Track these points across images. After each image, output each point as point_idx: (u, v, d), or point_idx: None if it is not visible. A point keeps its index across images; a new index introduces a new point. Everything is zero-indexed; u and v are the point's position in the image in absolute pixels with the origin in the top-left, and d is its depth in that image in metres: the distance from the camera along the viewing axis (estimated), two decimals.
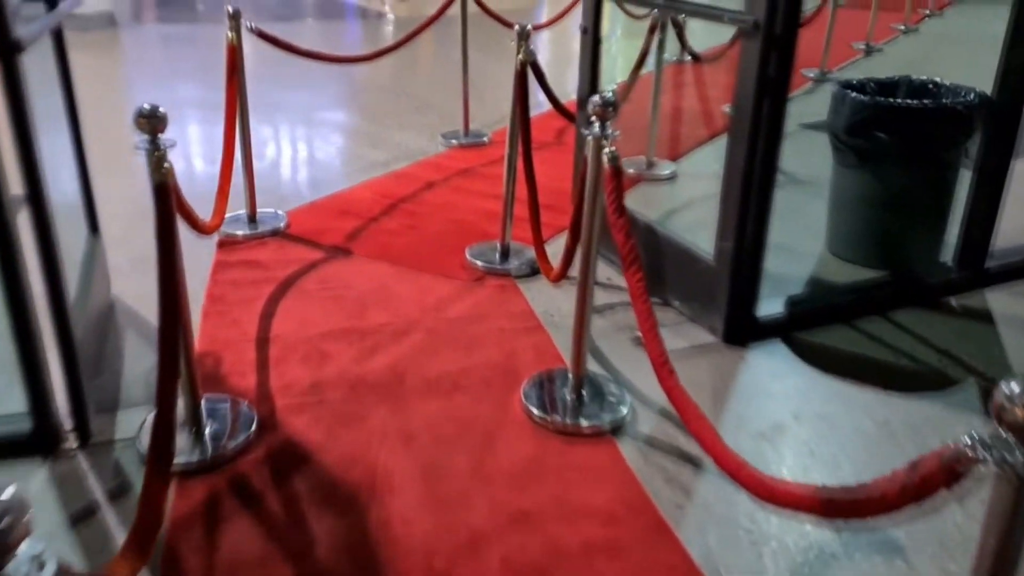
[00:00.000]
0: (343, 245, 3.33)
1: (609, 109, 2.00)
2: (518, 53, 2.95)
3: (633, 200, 2.78)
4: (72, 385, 2.06)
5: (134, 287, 2.87)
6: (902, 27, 8.53)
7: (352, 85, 6.28)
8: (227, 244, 3.31)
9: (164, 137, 1.86)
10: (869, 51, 7.43)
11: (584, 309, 2.19)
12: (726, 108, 5.39)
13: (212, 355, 2.51)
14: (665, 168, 4.30)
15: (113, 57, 7.06)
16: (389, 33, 8.57)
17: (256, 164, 3.53)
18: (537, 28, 5.50)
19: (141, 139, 1.85)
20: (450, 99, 5.66)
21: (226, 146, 3.04)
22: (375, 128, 5.04)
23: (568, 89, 6.02)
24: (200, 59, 7.27)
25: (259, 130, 4.86)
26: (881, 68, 7.14)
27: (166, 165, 1.83)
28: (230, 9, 3.18)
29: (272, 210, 3.60)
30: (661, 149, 4.46)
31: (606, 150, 1.99)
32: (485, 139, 4.75)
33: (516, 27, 2.95)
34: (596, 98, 2.01)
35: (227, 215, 3.39)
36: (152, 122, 1.83)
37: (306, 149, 4.64)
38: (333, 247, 3.31)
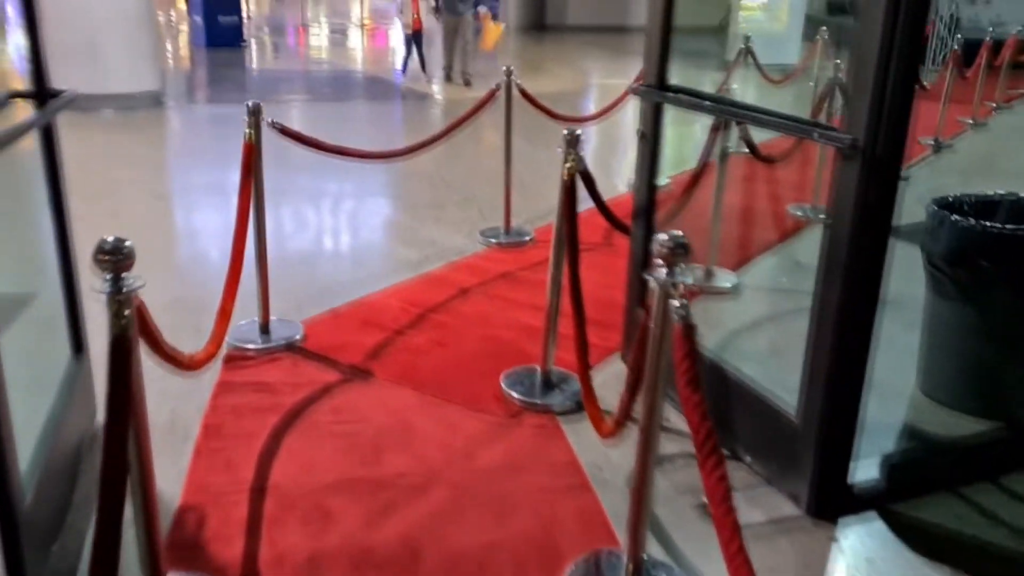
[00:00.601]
0: (363, 365, 2.95)
1: (680, 251, 1.62)
2: (566, 161, 2.60)
3: None
4: (12, 565, 1.68)
5: None
6: (970, 121, 8.12)
7: (389, 171, 6.03)
8: (235, 359, 2.96)
9: (131, 277, 1.52)
10: (938, 147, 7.01)
11: (644, 492, 1.77)
12: (792, 209, 5.03)
13: (196, 511, 2.12)
14: (726, 280, 3.88)
15: (153, 138, 6.95)
16: (436, 117, 8.41)
17: (274, 263, 3.22)
18: (583, 120, 5.20)
19: (101, 281, 1.50)
20: (492, 190, 5.35)
21: (234, 257, 2.71)
22: (410, 221, 4.74)
23: (614, 178, 5.77)
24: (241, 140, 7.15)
25: (282, 221, 4.59)
26: (954, 166, 6.73)
27: (127, 313, 1.48)
28: (250, 104, 2.90)
29: (288, 319, 3.26)
30: (721, 256, 4.07)
31: (675, 303, 1.60)
32: (527, 238, 4.40)
33: (564, 132, 2.60)
34: (664, 238, 1.62)
35: (240, 322, 3.07)
36: (115, 260, 1.49)
37: (332, 246, 4.34)
38: (351, 367, 2.93)
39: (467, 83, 9.84)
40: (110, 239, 1.51)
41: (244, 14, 14.32)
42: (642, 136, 2.78)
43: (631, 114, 6.59)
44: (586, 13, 18.25)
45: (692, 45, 16.32)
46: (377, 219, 4.89)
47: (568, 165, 2.59)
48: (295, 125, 6.95)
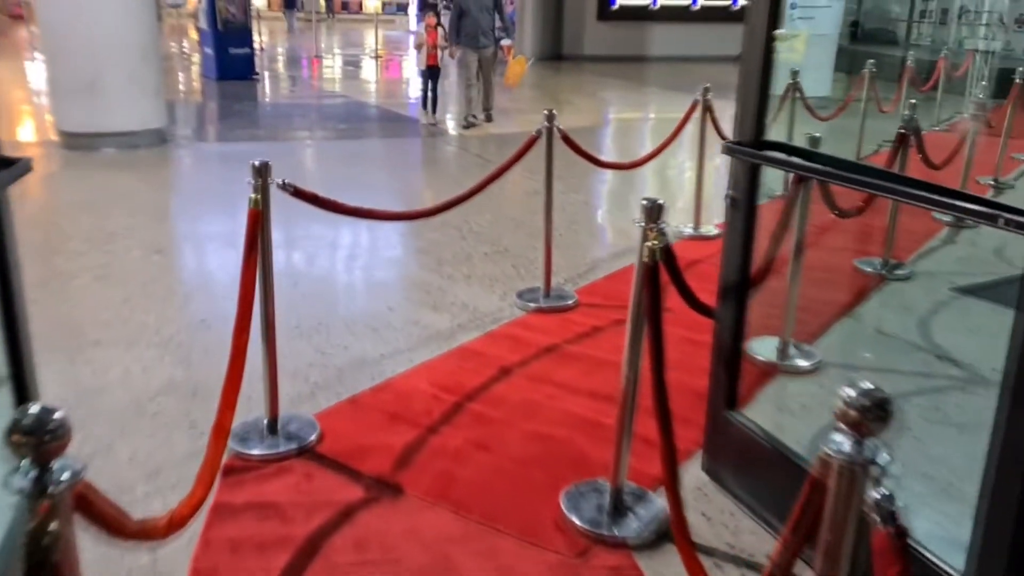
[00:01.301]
0: (390, 476, 2.43)
1: (879, 414, 1.10)
2: (647, 237, 2.09)
3: (770, 413, 1.83)
4: None
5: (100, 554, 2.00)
6: None
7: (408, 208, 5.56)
8: (236, 470, 2.45)
9: (64, 465, 1.01)
10: (999, 188, 6.49)
11: None
12: (860, 264, 4.50)
13: None
14: (804, 356, 3.35)
15: (156, 180, 6.50)
16: (457, 156, 7.95)
17: (284, 333, 2.73)
18: (629, 167, 4.72)
19: (18, 468, 1.00)
20: (525, 240, 4.87)
21: (234, 355, 2.20)
22: (437, 279, 4.24)
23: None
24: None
25: (292, 281, 4.09)
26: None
27: (51, 530, 0.97)
28: (256, 163, 2.41)
29: (300, 413, 2.75)
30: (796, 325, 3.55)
31: (875, 495, 1.08)
32: (570, 301, 3.89)
33: (643, 202, 2.10)
34: (853, 393, 1.11)
35: (244, 417, 2.57)
36: (38, 442, 0.99)
37: (349, 312, 3.82)
38: (377, 479, 2.42)
39: (488, 119, 9.26)
40: (33, 410, 1.00)
41: (256, 45, 14.01)
42: (732, 202, 2.28)
43: (678, 154, 6.14)
44: (603, 44, 17.88)
45: (707, 74, 15.77)
46: (400, 277, 4.39)
47: (650, 243, 2.08)
48: (308, 166, 6.48)
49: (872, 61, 7.14)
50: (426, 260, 4.55)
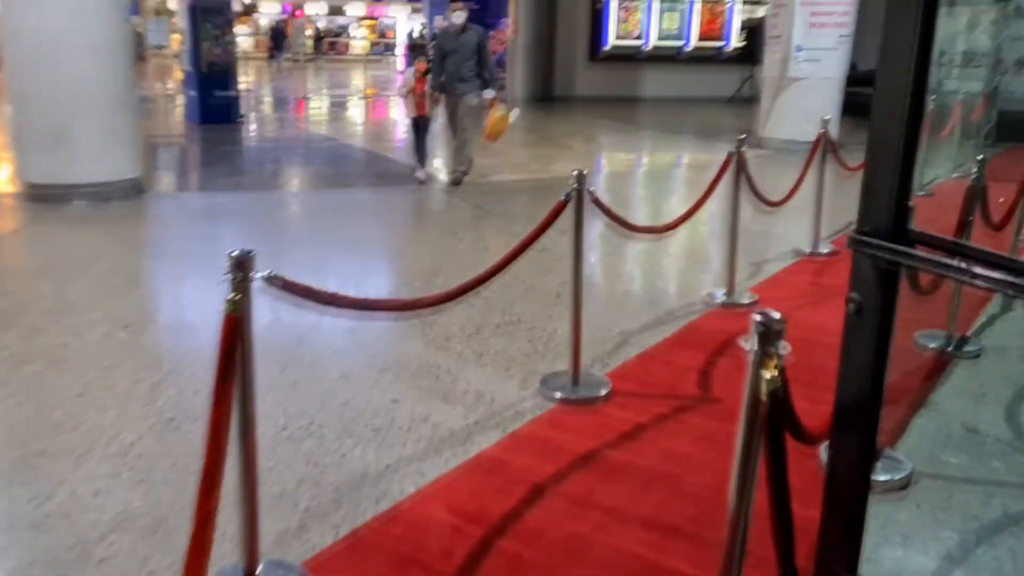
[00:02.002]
0: None
1: None
2: (762, 365, 1.57)
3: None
4: None
5: None
6: None
7: (411, 276, 5.03)
8: None
9: None
10: None
11: None
12: (923, 339, 3.96)
13: None
14: (892, 466, 2.81)
15: (128, 237, 5.92)
16: (451, 208, 7.44)
17: (265, 442, 2.17)
18: (662, 230, 4.20)
19: None
20: (540, 308, 4.35)
21: (198, 527, 1.64)
22: (446, 360, 3.69)
23: (690, 294, 4.50)
24: (233, 241, 6.15)
25: (279, 365, 3.53)
26: None
27: None
28: (235, 253, 1.87)
29: (284, 561, 2.19)
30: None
31: None
32: (603, 391, 3.33)
33: (756, 318, 1.58)
34: None
35: (219, 564, 2.01)
36: None
37: (347, 405, 3.25)
38: None
39: (456, 182, 7.76)
40: None
41: (242, 87, 13.56)
42: (857, 309, 1.76)
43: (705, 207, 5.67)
44: (594, 85, 17.63)
45: (698, 115, 15.46)
46: (403, 358, 3.80)
47: (769, 375, 1.56)
48: (295, 221, 5.96)
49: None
50: (432, 334, 4.00)
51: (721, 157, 4.66)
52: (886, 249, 1.64)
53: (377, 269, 5.28)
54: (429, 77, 7.67)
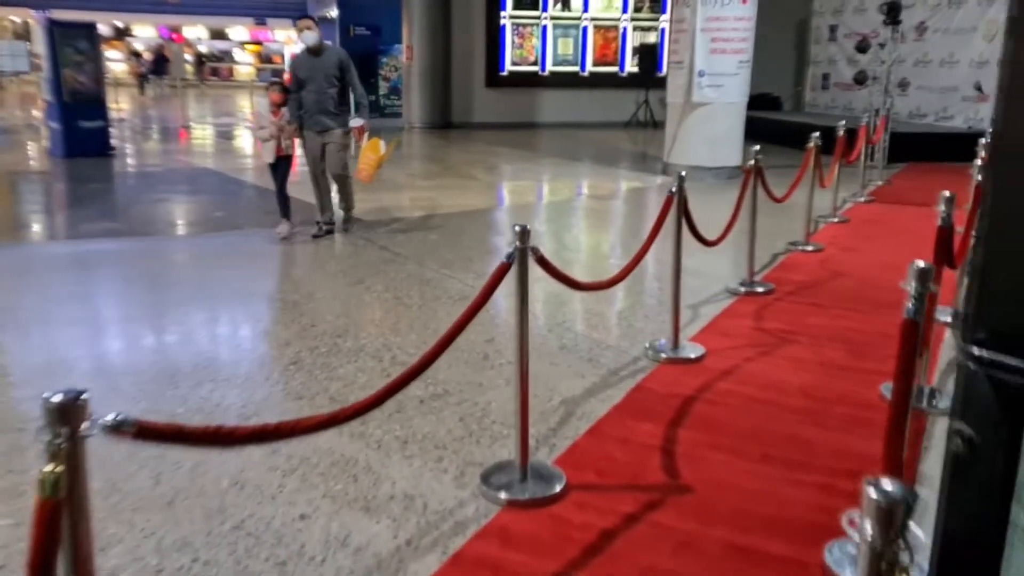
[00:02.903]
0: None
1: None
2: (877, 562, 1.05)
3: None
4: None
5: None
6: None
7: (314, 338, 4.35)
8: None
9: None
10: None
11: None
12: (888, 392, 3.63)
13: None
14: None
15: None
16: (351, 249, 6.76)
17: None
18: (606, 286, 3.66)
19: None
20: (467, 374, 3.78)
21: None
22: (364, 451, 3.07)
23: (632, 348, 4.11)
24: (97, 304, 5.35)
25: (153, 474, 2.82)
26: None
27: None
28: (56, 397, 1.23)
29: None
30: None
31: None
32: (557, 487, 2.78)
33: (872, 495, 1.07)
34: None
35: None
36: None
37: (243, 527, 2.59)
38: None
39: (346, 225, 6.94)
40: None
41: (115, 116, 12.46)
42: (968, 446, 1.28)
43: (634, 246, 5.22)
44: (493, 111, 17.30)
45: (598, 141, 15.21)
46: (312, 452, 3.17)
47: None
48: (172, 272, 5.11)
49: (817, 134, 6.55)
50: (338, 406, 3.36)
51: (628, 186, 4.26)
52: (1017, 370, 1.17)
53: (273, 333, 4.58)
54: (285, 110, 6.45)
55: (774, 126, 14.33)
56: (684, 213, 4.05)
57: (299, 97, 6.48)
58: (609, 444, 3.11)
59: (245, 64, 35.44)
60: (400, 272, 5.67)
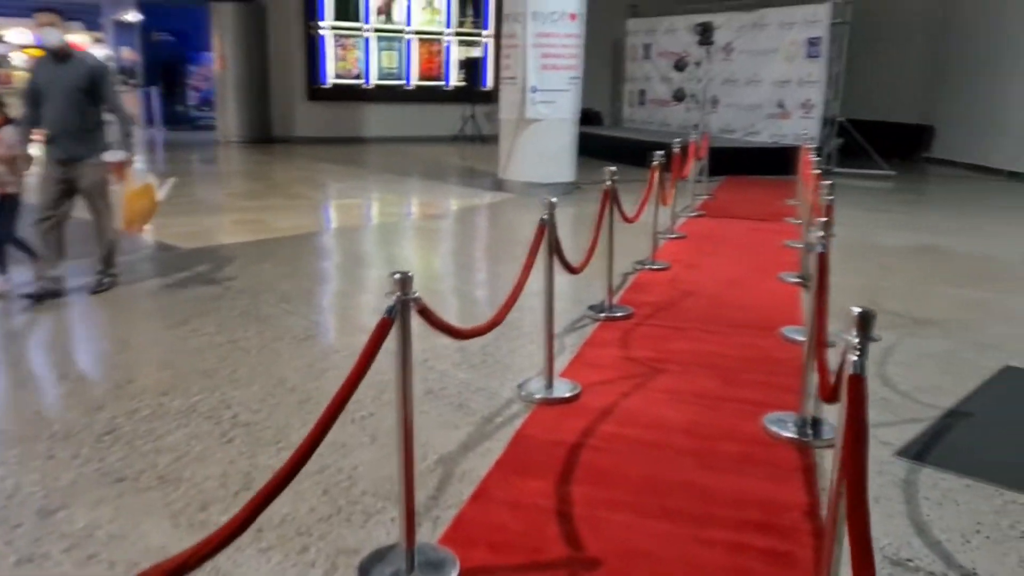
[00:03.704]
0: None
1: None
2: None
3: None
4: None
5: None
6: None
7: (133, 397, 3.69)
8: None
9: None
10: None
11: None
12: (771, 426, 3.48)
13: None
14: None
15: None
16: (170, 282, 6.00)
17: None
18: (485, 331, 3.31)
19: None
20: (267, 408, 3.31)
21: None
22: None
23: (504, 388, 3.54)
24: None
25: None
26: None
27: None
28: None
29: None
30: None
31: None
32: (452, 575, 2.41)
33: None
34: None
35: None
36: None
37: None
38: None
39: (104, 282, 5.37)
40: None
41: None
42: None
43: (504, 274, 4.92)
44: (315, 125, 16.55)
45: (426, 156, 14.92)
46: (136, 554, 2.59)
47: None
48: None
49: (661, 153, 6.57)
50: (177, 501, 2.80)
51: (463, 203, 3.96)
52: None
53: (79, 395, 3.85)
54: (7, 131, 5.03)
55: (598, 141, 14.63)
56: (553, 242, 3.79)
57: (35, 115, 5.05)
58: (499, 510, 2.77)
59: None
60: (232, 309, 5.05)
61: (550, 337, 3.80)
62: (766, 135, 14.71)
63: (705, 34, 12.45)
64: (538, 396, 3.73)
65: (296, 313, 5.00)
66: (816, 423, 3.45)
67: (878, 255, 7.08)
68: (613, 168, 5.05)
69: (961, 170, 14.65)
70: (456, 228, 8.51)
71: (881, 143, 13.80)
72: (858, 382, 1.80)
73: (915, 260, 7.03)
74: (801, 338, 4.63)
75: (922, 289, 5.98)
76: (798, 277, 6.12)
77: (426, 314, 2.40)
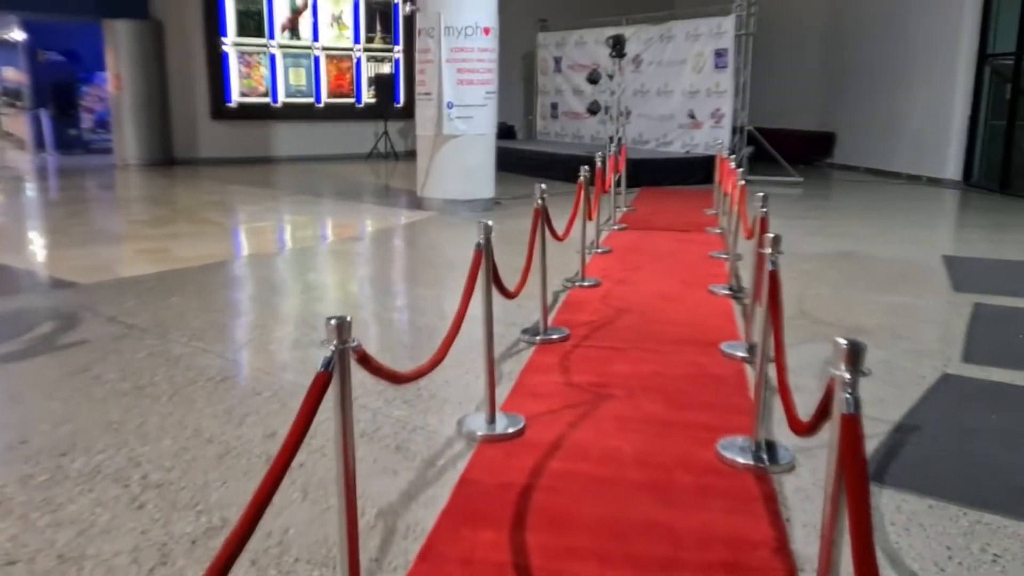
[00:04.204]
0: None
1: None
2: None
3: None
4: None
5: None
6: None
7: (27, 460, 3.28)
8: None
9: None
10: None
11: None
12: (725, 452, 3.34)
13: None
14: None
15: None
16: (66, 320, 5.51)
17: None
18: (422, 374, 3.05)
19: None
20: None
21: None
22: None
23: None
24: None
25: None
26: None
27: None
28: None
29: None
30: None
31: None
32: None
33: None
34: None
35: None
36: None
37: None
38: None
39: None
40: None
41: None
42: None
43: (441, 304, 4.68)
44: (221, 146, 15.93)
45: (338, 175, 14.44)
46: None
47: None
48: None
49: (586, 168, 6.45)
50: None
51: (382, 224, 3.71)
52: None
53: None
54: None
55: (513, 155, 14.53)
56: (491, 268, 3.58)
57: None
58: (451, 570, 2.53)
59: None
60: (138, 350, 4.64)
61: (491, 371, 3.57)
62: (678, 145, 14.90)
63: (617, 46, 12.50)
64: (480, 433, 3.50)
65: (210, 351, 4.64)
66: (771, 447, 3.34)
67: (799, 262, 7.13)
68: (543, 185, 4.89)
69: (862, 174, 15.19)
70: (376, 251, 8.20)
71: (786, 150, 14.16)
72: (853, 423, 1.64)
73: (836, 267, 7.12)
74: (740, 353, 4.56)
75: (847, 296, 6.03)
76: (728, 289, 6.09)
77: (366, 362, 2.15)
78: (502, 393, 4.01)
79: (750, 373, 4.36)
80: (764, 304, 3.19)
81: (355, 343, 2.03)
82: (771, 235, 3.15)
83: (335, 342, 1.96)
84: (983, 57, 12.87)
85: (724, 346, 4.70)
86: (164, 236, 8.35)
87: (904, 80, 14.31)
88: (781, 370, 2.74)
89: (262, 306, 5.92)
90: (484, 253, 3.45)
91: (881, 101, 14.99)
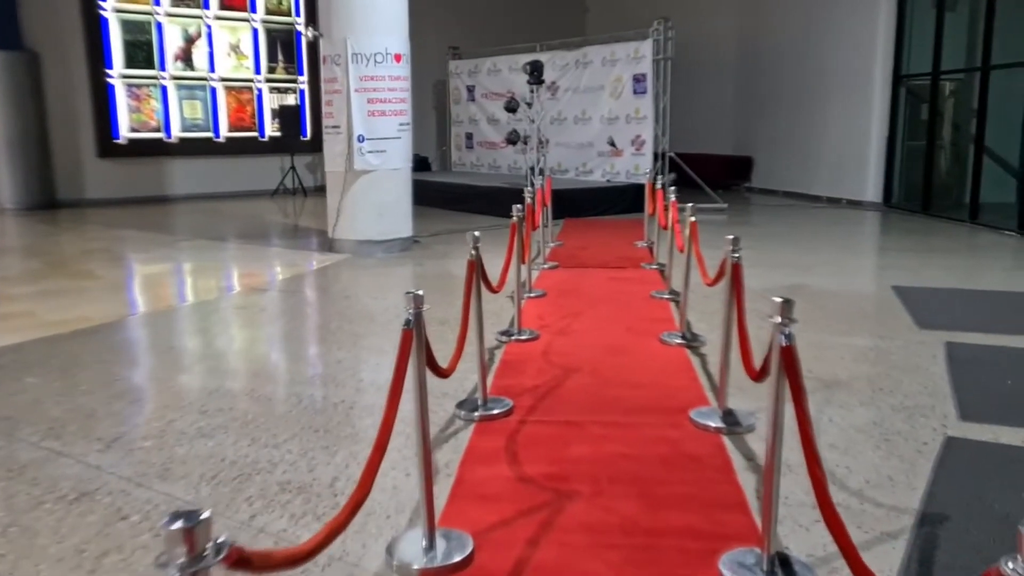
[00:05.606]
0: None
1: None
2: None
3: None
4: None
5: None
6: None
7: None
8: None
9: None
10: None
11: None
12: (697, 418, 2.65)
13: None
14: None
15: None
16: None
17: None
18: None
19: None
20: None
21: None
22: None
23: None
24: None
25: None
26: None
27: None
28: None
29: None
30: None
31: None
32: None
33: None
34: None
35: None
36: None
37: None
38: None
39: None
40: None
41: None
42: None
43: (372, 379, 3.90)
44: (110, 185, 14.68)
45: (241, 213, 13.37)
46: None
47: None
48: None
49: (518, 207, 5.76)
50: None
51: (292, 271, 2.97)
52: None
53: None
54: None
55: (428, 188, 13.80)
56: (422, 342, 2.81)
57: None
58: None
59: None
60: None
61: (428, 484, 2.80)
62: (599, 173, 14.48)
63: (535, 73, 11.96)
64: (417, 567, 2.72)
65: (68, 454, 3.70)
66: (785, 563, 2.67)
67: (750, 300, 6.59)
68: (477, 233, 4.17)
69: (781, 198, 15.07)
70: (285, 304, 7.29)
71: (705, 175, 13.90)
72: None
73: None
74: (714, 424, 3.92)
75: (813, 340, 5.49)
76: (682, 338, 5.48)
77: (248, 563, 1.35)
78: (440, 494, 3.23)
79: (729, 446, 3.72)
80: (774, 380, 2.54)
81: (222, 547, 1.24)
82: (779, 299, 2.49)
83: (184, 560, 1.17)
84: (898, 78, 12.89)
85: (694, 414, 4.05)
86: (31, 295, 7.23)
87: (820, 103, 14.27)
88: (819, 484, 2.06)
89: (146, 383, 4.96)
90: (415, 334, 2.68)
91: (798, 124, 14.93)
